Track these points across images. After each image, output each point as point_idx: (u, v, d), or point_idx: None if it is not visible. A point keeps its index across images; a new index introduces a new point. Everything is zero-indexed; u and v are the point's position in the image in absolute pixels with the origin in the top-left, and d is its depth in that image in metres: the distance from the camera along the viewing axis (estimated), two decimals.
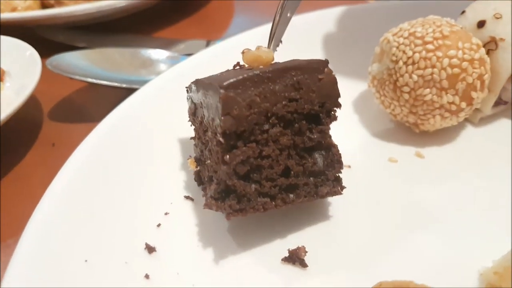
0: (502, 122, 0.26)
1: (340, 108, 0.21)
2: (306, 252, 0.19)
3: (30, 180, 0.28)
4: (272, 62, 0.21)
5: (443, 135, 0.25)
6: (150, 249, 0.19)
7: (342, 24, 0.32)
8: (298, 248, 0.20)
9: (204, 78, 0.21)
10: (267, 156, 0.19)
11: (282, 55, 0.23)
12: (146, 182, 0.22)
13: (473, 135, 0.25)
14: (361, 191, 0.22)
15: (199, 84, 0.21)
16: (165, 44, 0.39)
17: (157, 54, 0.35)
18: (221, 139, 0.18)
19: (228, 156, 0.18)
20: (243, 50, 0.21)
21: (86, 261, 0.18)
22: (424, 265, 0.18)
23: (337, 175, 0.21)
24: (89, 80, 0.29)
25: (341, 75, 0.26)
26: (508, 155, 0.24)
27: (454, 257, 0.19)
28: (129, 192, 0.21)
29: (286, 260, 0.20)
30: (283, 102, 0.19)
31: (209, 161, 0.21)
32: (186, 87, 0.22)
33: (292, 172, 0.20)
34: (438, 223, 0.20)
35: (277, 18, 0.28)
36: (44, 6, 0.43)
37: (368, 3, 0.40)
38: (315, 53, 0.30)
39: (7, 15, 0.39)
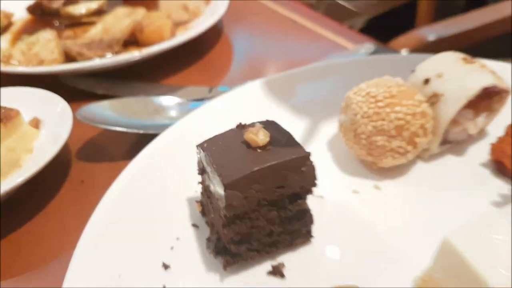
0: (449, 158, 0.33)
1: (316, 187, 0.26)
2: (284, 266, 0.26)
3: (64, 214, 0.34)
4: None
5: (397, 171, 0.31)
6: (166, 266, 0.26)
7: (322, 79, 0.39)
8: (279, 264, 0.26)
9: (211, 141, 0.27)
10: (256, 226, 0.26)
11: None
12: (163, 215, 0.28)
13: (424, 169, 0.32)
14: (330, 217, 0.28)
15: (206, 153, 0.26)
16: (173, 90, 0.45)
17: (167, 101, 0.41)
18: (223, 217, 0.25)
19: (226, 230, 0.25)
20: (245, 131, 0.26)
21: (119, 276, 0.24)
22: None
23: (308, 229, 0.27)
24: (112, 128, 0.36)
25: (321, 121, 0.32)
26: (453, 185, 0.30)
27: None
28: (150, 223, 0.28)
29: (270, 273, 0.26)
30: (272, 190, 0.25)
31: (212, 215, 0.27)
32: (197, 145, 0.27)
33: (275, 233, 0.26)
34: (390, 247, 0.26)
35: None
36: (67, 56, 0.49)
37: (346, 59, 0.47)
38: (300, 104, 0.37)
39: (36, 69, 0.46)
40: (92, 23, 0.57)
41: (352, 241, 0.27)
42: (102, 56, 0.48)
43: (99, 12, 0.59)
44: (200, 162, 0.27)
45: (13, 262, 0.30)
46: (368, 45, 0.49)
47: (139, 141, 0.35)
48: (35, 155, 0.36)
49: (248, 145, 0.26)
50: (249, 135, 0.26)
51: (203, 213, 0.29)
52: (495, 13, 1.07)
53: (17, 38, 0.56)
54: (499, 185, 0.30)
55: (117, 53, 0.49)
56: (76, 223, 0.29)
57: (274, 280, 0.25)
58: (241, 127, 0.28)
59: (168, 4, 0.55)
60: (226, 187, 0.24)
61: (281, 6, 0.64)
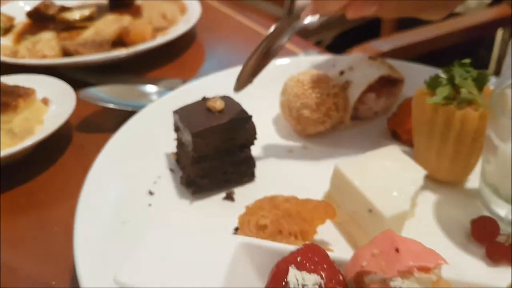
0: (359, 129, 0.44)
1: (256, 139, 0.37)
2: (234, 193, 0.37)
3: (70, 169, 0.44)
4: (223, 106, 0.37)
5: (319, 136, 0.43)
6: (151, 193, 0.36)
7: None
8: (230, 191, 0.37)
9: (183, 108, 0.37)
10: (215, 166, 0.36)
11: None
12: (148, 163, 0.39)
13: (339, 136, 0.43)
14: (271, 166, 0.40)
15: (180, 116, 0.36)
16: (153, 82, 0.56)
17: (149, 88, 0.52)
18: (191, 158, 0.35)
19: (194, 167, 0.35)
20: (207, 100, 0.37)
21: (118, 199, 0.35)
22: None
23: (252, 171, 0.38)
24: (106, 105, 0.46)
25: (266, 101, 0.43)
26: (359, 146, 0.41)
27: None
28: (139, 168, 0.38)
29: (225, 198, 0.37)
30: (226, 141, 0.36)
31: (183, 160, 0.38)
32: (173, 111, 0.37)
33: (228, 172, 0.37)
34: (308, 181, 0.38)
35: (249, 62, 0.37)
36: (65, 53, 0.59)
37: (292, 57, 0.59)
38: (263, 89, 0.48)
39: (40, 61, 0.56)
40: (84, 27, 0.67)
41: (285, 181, 0.37)
42: (94, 53, 0.58)
43: (90, 18, 0.69)
44: (175, 122, 0.38)
45: (29, 206, 0.40)
46: (312, 51, 0.61)
47: (127, 117, 0.46)
48: (45, 125, 0.45)
49: (209, 110, 0.37)
50: (210, 103, 0.37)
51: (178, 161, 0.39)
52: (439, 29, 1.24)
53: (19, 38, 0.66)
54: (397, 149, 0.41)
55: (106, 51, 0.59)
56: (79, 176, 0.39)
57: (227, 203, 0.36)
58: (205, 99, 0.39)
59: (149, 12, 0.66)
60: (193, 135, 0.34)
61: (247, 18, 0.76)
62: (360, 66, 0.44)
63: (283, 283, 0.24)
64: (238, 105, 0.38)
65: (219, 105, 0.36)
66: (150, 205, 0.35)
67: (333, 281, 0.24)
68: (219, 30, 0.73)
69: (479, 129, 0.33)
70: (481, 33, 1.24)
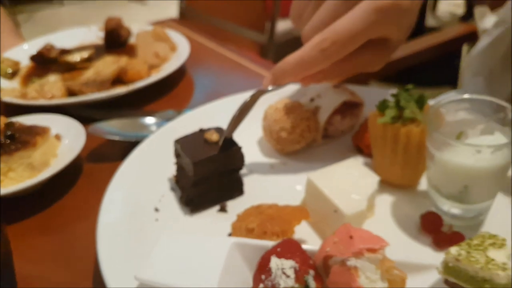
0: (329, 145, 0.52)
1: (244, 166, 0.44)
2: (227, 205, 0.44)
3: (83, 195, 0.50)
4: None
5: (296, 154, 0.51)
6: (156, 209, 0.43)
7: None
8: (223, 204, 0.44)
9: (184, 138, 0.44)
10: (211, 187, 0.43)
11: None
12: (152, 184, 0.46)
13: (313, 153, 0.50)
14: (256, 181, 0.47)
15: (180, 145, 0.43)
16: (152, 114, 0.63)
17: (148, 120, 0.59)
18: (191, 181, 0.42)
19: (193, 189, 0.42)
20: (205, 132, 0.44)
21: (131, 213, 0.41)
22: None
23: (241, 188, 0.45)
24: (113, 137, 0.54)
25: (250, 127, 0.51)
26: (330, 159, 0.49)
27: None
28: (145, 189, 0.45)
29: (219, 211, 0.43)
30: (220, 167, 0.42)
31: (183, 181, 0.45)
32: (175, 140, 0.44)
33: (221, 191, 0.44)
34: (287, 191, 0.45)
35: (238, 113, 0.43)
36: (70, 92, 0.67)
37: None
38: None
39: (50, 102, 0.63)
40: (84, 68, 0.74)
41: (268, 192, 0.44)
42: (97, 92, 0.66)
43: (89, 59, 0.77)
44: (177, 150, 0.45)
45: (50, 227, 0.46)
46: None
47: (130, 147, 0.53)
48: (59, 158, 0.52)
49: (206, 141, 0.44)
50: (207, 135, 0.44)
51: (177, 182, 0.46)
52: (411, 47, 1.34)
53: (25, 80, 0.73)
54: (358, 159, 0.49)
55: (107, 89, 0.67)
56: (92, 200, 0.46)
57: (221, 214, 0.43)
58: (202, 130, 0.46)
59: (144, 53, 0.74)
60: (194, 164, 0.41)
61: (230, 51, 0.85)
62: (326, 94, 0.52)
63: (267, 268, 0.31)
64: (227, 130, 0.45)
65: (215, 137, 0.44)
66: (157, 219, 0.42)
67: (305, 264, 0.31)
68: (206, 64, 0.81)
69: (421, 142, 0.40)
70: (450, 49, 1.35)
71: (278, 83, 0.44)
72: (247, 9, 1.71)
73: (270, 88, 0.44)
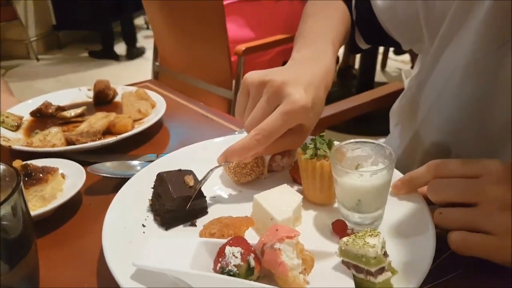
0: (274, 177, 0.69)
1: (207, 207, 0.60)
2: (196, 221, 0.59)
3: (83, 222, 0.65)
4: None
5: (249, 184, 0.67)
6: (143, 225, 0.58)
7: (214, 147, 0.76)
8: (192, 221, 0.59)
9: (166, 172, 0.58)
10: (182, 212, 0.57)
11: None
12: (139, 209, 0.60)
13: (262, 183, 0.66)
14: (219, 206, 0.63)
15: (164, 178, 0.56)
16: (136, 157, 0.79)
17: (133, 162, 0.75)
18: (168, 209, 0.55)
19: (168, 214, 0.54)
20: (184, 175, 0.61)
21: (124, 227, 0.56)
22: None
23: (206, 210, 0.60)
24: (106, 175, 0.69)
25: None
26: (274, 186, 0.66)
27: None
28: (133, 212, 0.60)
29: (190, 225, 0.59)
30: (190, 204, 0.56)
31: (157, 207, 0.60)
32: (158, 173, 0.59)
33: (190, 214, 0.57)
34: (241, 211, 0.61)
35: (205, 176, 0.57)
36: (68, 142, 0.82)
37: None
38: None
39: (53, 149, 0.78)
40: (78, 122, 0.90)
41: (227, 211, 0.59)
42: (91, 141, 0.81)
43: (82, 115, 0.93)
44: (159, 180, 0.61)
45: (59, 244, 0.60)
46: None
47: (120, 182, 0.68)
48: (64, 192, 0.66)
49: (184, 182, 0.60)
50: (186, 178, 0.60)
51: (151, 206, 0.59)
52: (359, 99, 1.58)
53: (28, 132, 0.88)
54: (295, 187, 0.66)
55: (99, 139, 0.83)
56: (91, 224, 0.60)
57: (191, 228, 0.58)
58: (180, 170, 0.62)
59: (129, 109, 0.90)
60: (175, 198, 0.56)
61: (200, 107, 1.03)
62: None
63: (223, 254, 0.46)
64: (199, 183, 0.60)
65: (191, 182, 0.60)
66: (144, 232, 0.57)
67: (248, 250, 0.47)
68: (179, 117, 0.99)
69: (331, 171, 0.58)
70: (388, 103, 1.59)
71: (229, 160, 0.59)
72: (215, 69, 1.94)
73: (223, 163, 0.60)
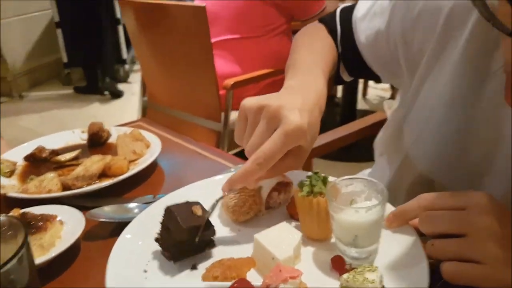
0: (271, 214, 0.71)
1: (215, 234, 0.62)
2: (197, 264, 0.60)
3: (83, 268, 0.64)
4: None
5: (247, 222, 0.69)
6: (145, 271, 0.58)
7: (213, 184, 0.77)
8: (194, 263, 0.60)
9: (175, 205, 0.58)
10: (193, 246, 0.59)
11: None
12: (140, 250, 0.61)
13: (260, 220, 0.68)
14: (221, 239, 0.64)
15: (169, 212, 0.57)
16: (132, 200, 0.80)
17: (130, 205, 0.76)
18: (178, 242, 0.58)
19: (176, 248, 0.58)
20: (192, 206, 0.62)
21: (124, 276, 0.56)
22: None
23: (213, 243, 0.62)
24: (106, 220, 0.69)
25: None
26: (273, 224, 0.67)
27: None
28: (136, 253, 0.61)
29: (191, 269, 0.60)
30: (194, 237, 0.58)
31: (167, 241, 0.61)
32: (167, 206, 0.59)
33: (200, 247, 0.61)
34: (242, 247, 0.62)
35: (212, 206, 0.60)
36: (64, 186, 0.82)
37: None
38: None
39: (48, 195, 0.78)
40: (72, 165, 0.91)
41: (228, 250, 0.61)
42: (87, 185, 0.82)
43: (76, 158, 0.94)
44: (164, 215, 0.61)
45: None
46: (241, 165, 0.90)
47: (117, 227, 0.68)
48: (63, 239, 0.67)
49: (192, 212, 0.61)
50: (193, 209, 0.61)
51: (158, 240, 0.61)
52: (344, 130, 1.62)
53: (23, 178, 0.88)
54: (293, 224, 0.68)
55: (95, 182, 0.84)
56: (90, 272, 0.60)
57: (193, 272, 0.59)
58: (188, 203, 0.63)
59: (123, 151, 0.91)
60: (185, 229, 0.58)
61: (194, 145, 1.05)
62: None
63: None
64: (208, 213, 0.62)
65: (200, 212, 0.61)
66: (146, 278, 0.58)
67: None
68: (173, 156, 1.00)
69: (327, 208, 0.60)
70: (371, 132, 1.64)
71: (233, 188, 0.62)
72: (204, 103, 1.97)
73: (227, 192, 0.63)
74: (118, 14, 4.43)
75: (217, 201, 0.63)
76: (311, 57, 0.75)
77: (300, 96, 0.62)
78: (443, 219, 0.53)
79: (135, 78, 4.61)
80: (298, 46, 0.81)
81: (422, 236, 0.58)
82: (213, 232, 0.61)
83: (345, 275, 0.50)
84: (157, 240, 0.62)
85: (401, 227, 0.61)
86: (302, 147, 0.63)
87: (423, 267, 0.53)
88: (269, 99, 0.58)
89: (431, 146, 0.72)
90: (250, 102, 0.61)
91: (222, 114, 1.92)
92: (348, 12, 0.80)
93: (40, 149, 0.95)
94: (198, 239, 0.58)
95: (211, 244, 0.62)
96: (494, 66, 0.57)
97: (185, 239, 0.58)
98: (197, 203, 0.63)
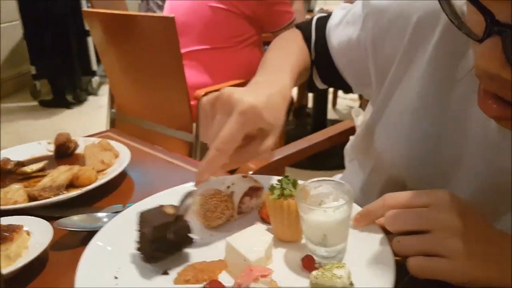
0: (244, 218, 0.72)
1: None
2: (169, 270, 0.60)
3: (51, 276, 0.63)
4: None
5: (220, 227, 0.69)
6: (116, 278, 0.58)
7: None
8: (165, 270, 0.60)
9: (146, 211, 0.61)
10: (166, 244, 0.60)
11: None
12: (109, 263, 0.61)
13: (232, 225, 0.69)
14: (195, 244, 0.64)
15: (142, 217, 0.57)
16: (101, 209, 0.79)
17: (100, 214, 0.75)
18: (150, 240, 0.58)
19: (151, 246, 0.58)
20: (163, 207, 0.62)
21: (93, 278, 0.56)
22: None
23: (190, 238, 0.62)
24: (76, 229, 0.68)
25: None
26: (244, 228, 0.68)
27: None
28: (107, 258, 0.60)
29: (162, 273, 0.59)
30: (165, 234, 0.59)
31: (143, 245, 0.60)
32: (139, 212, 0.59)
33: (173, 246, 0.61)
34: (215, 250, 0.63)
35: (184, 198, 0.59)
36: (31, 198, 0.80)
37: None
38: None
39: (14, 206, 0.76)
40: (39, 176, 0.89)
41: (202, 255, 0.62)
42: (54, 196, 0.80)
43: (43, 169, 0.92)
44: (138, 220, 0.60)
45: None
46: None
47: (86, 236, 0.67)
48: (29, 250, 0.65)
49: (164, 212, 0.61)
50: (164, 210, 0.61)
51: (139, 249, 0.61)
52: (315, 138, 1.65)
53: None
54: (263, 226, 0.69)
55: (63, 193, 0.82)
56: (60, 284, 0.59)
57: (165, 277, 0.59)
58: (160, 206, 0.63)
59: (92, 161, 0.90)
60: (155, 227, 0.58)
61: (164, 154, 1.05)
62: (237, 182, 0.73)
63: None
64: (178, 209, 0.62)
65: (171, 210, 0.61)
66: (117, 284, 0.57)
67: None
68: (144, 165, 1.00)
69: (297, 210, 0.62)
70: (341, 139, 1.68)
71: (202, 179, 0.63)
72: (175, 114, 1.96)
73: (197, 186, 0.64)
74: (87, 26, 4.37)
75: (188, 195, 0.63)
76: (281, 56, 0.77)
77: (261, 85, 0.63)
78: (407, 217, 0.56)
79: (105, 91, 4.54)
80: (272, 48, 0.84)
81: (389, 234, 0.60)
82: (187, 228, 0.61)
83: (314, 272, 0.51)
84: (137, 248, 0.61)
85: (368, 226, 0.63)
86: (263, 130, 0.63)
87: (389, 263, 0.56)
88: (224, 89, 0.59)
89: (401, 150, 0.75)
90: (206, 97, 0.63)
91: (194, 124, 1.92)
92: (323, 20, 0.83)
93: (5, 161, 0.93)
94: (172, 236, 0.58)
95: (187, 240, 0.62)
96: (461, 72, 0.59)
97: (158, 237, 0.58)
98: (170, 205, 0.63)
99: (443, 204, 0.53)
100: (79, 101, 4.40)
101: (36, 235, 0.67)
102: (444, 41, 0.61)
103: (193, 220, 0.71)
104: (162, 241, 0.59)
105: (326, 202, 0.62)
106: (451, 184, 0.70)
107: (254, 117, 0.57)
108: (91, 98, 4.54)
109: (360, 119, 1.13)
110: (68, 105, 4.39)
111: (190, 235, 0.62)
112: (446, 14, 0.43)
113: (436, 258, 0.49)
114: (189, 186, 0.77)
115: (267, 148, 0.65)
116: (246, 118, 0.58)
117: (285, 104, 0.64)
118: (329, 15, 0.86)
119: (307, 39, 0.83)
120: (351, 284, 0.48)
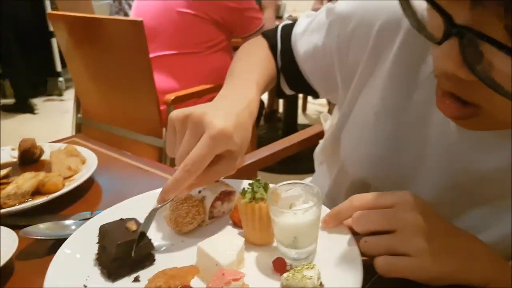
0: (215, 224, 0.72)
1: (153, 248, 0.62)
2: (140, 277, 0.59)
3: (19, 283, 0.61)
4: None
5: (191, 232, 0.69)
6: (85, 286, 0.56)
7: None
8: (136, 276, 0.59)
9: (108, 224, 0.60)
10: (128, 261, 0.59)
11: None
12: (78, 272, 0.59)
13: (203, 230, 0.69)
14: (162, 255, 0.64)
15: (104, 232, 0.57)
16: (69, 217, 0.77)
17: (68, 222, 0.73)
18: (112, 259, 0.57)
19: (113, 263, 0.57)
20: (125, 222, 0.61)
21: None
22: None
23: (153, 258, 0.62)
24: (42, 237, 0.66)
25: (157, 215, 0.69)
26: (215, 233, 0.68)
27: None
28: (72, 271, 0.58)
29: (133, 281, 0.59)
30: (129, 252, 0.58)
31: (104, 259, 0.59)
32: (101, 225, 0.58)
33: (136, 264, 0.60)
34: (190, 258, 0.63)
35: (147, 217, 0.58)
36: None
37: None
38: None
39: None
40: (3, 184, 0.86)
41: (172, 260, 0.61)
42: (19, 203, 0.78)
43: (6, 177, 0.89)
44: (101, 233, 0.59)
45: None
46: None
47: (54, 245, 0.66)
48: None
49: (126, 228, 0.60)
50: (127, 225, 0.61)
51: (98, 259, 0.60)
52: (285, 142, 1.67)
53: None
54: (235, 230, 0.69)
55: (28, 200, 0.79)
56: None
57: (135, 284, 0.58)
58: (122, 219, 0.62)
59: (58, 168, 0.88)
60: (118, 245, 0.57)
61: (133, 160, 1.04)
62: (209, 186, 0.73)
63: None
64: (141, 226, 0.62)
65: (133, 227, 0.61)
66: None
67: None
68: (112, 171, 0.98)
69: (268, 213, 0.63)
70: (311, 143, 1.70)
71: (167, 198, 0.62)
72: (144, 119, 1.94)
73: (161, 204, 0.63)
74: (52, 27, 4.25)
75: (151, 213, 0.62)
76: (247, 68, 0.78)
77: (229, 102, 0.64)
78: (374, 217, 0.58)
79: (70, 95, 4.41)
80: (238, 59, 0.85)
81: (356, 235, 0.63)
82: (150, 246, 0.61)
83: (285, 274, 0.52)
84: (96, 259, 0.60)
85: (336, 227, 0.65)
86: (232, 151, 0.64)
87: (357, 263, 0.58)
88: (195, 108, 0.59)
89: (364, 153, 0.78)
90: (176, 113, 0.63)
91: (164, 130, 1.90)
92: (289, 28, 0.85)
93: None
94: (134, 254, 0.58)
95: (150, 258, 0.61)
96: (421, 76, 0.62)
97: (120, 255, 0.57)
98: (132, 219, 0.62)
99: (407, 204, 0.55)
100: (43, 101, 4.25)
101: (1, 245, 0.65)
102: (405, 46, 0.64)
103: (163, 225, 0.71)
104: (125, 259, 0.55)
105: (296, 204, 0.64)
106: (414, 184, 0.73)
107: (224, 140, 0.58)
108: (56, 103, 4.40)
109: (328, 123, 1.16)
110: (31, 110, 4.23)
111: (154, 252, 0.62)
112: (408, 18, 0.45)
113: (402, 257, 0.51)
114: (159, 192, 0.77)
115: (233, 169, 0.66)
116: (217, 142, 0.57)
117: (252, 122, 0.65)
118: (294, 22, 0.87)
119: (273, 47, 0.85)
120: (321, 284, 0.50)
